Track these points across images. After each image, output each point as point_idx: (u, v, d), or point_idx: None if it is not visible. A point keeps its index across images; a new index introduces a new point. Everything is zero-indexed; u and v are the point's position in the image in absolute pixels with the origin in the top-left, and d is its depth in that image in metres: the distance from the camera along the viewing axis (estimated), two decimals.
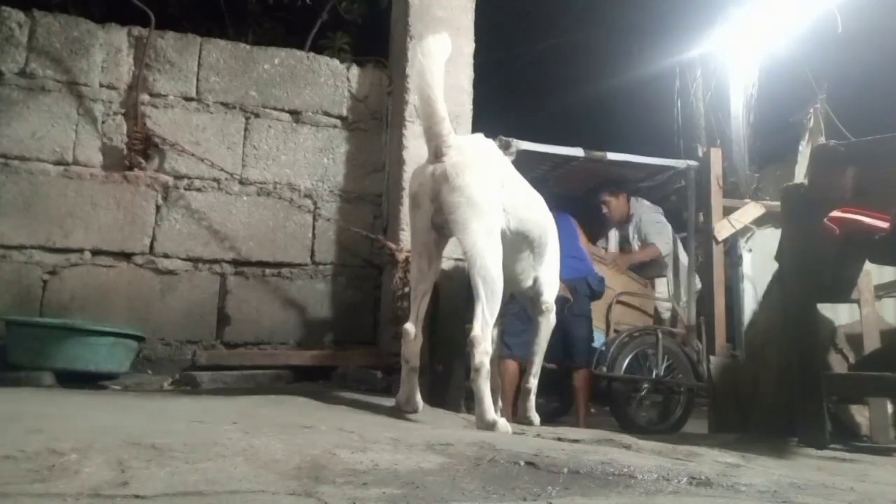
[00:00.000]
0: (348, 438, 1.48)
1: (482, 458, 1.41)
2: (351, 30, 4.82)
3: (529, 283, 3.06)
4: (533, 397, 3.10)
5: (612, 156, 4.40)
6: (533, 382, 3.09)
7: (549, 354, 3.33)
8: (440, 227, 2.46)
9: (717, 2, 5.75)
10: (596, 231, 4.91)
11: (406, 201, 2.82)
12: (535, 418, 3.06)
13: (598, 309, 4.12)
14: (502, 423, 2.28)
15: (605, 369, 3.91)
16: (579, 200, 4.89)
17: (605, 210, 4.78)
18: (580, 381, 3.88)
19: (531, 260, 2.94)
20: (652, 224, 4.76)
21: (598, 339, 4.10)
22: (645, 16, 6.64)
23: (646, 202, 4.92)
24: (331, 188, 3.82)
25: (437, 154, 2.42)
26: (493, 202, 2.45)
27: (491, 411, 2.29)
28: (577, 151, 4.27)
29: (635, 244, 4.77)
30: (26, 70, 3.45)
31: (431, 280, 2.56)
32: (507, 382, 3.47)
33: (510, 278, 2.80)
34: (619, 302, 4.29)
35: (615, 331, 4.16)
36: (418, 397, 2.51)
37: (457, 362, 3.16)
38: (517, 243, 2.75)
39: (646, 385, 4.03)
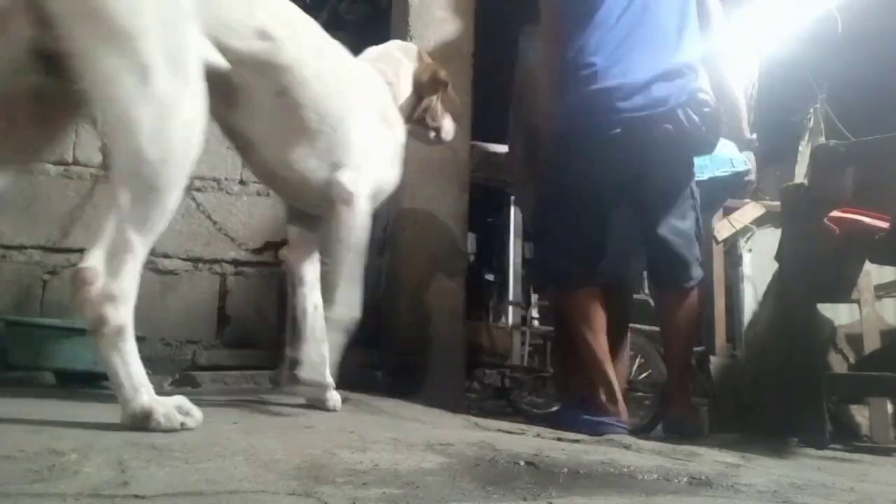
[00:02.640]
0: (348, 438, 1.48)
1: (482, 458, 1.41)
2: (351, 30, 4.83)
3: (319, 187, 1.86)
4: (329, 350, 1.89)
5: (498, 147, 3.72)
6: (329, 331, 1.81)
7: None
8: (48, 60, 1.35)
9: None
10: None
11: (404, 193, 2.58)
12: (319, 378, 1.86)
13: None
14: (164, 409, 1.42)
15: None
16: None
17: None
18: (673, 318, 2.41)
19: (308, 146, 1.76)
20: None
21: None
22: None
23: None
24: None
25: None
26: (150, 13, 1.32)
27: (143, 393, 1.44)
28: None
29: None
30: None
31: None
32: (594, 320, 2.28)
33: (267, 174, 1.82)
34: None
35: None
36: None
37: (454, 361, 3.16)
38: (266, 108, 1.64)
39: None
